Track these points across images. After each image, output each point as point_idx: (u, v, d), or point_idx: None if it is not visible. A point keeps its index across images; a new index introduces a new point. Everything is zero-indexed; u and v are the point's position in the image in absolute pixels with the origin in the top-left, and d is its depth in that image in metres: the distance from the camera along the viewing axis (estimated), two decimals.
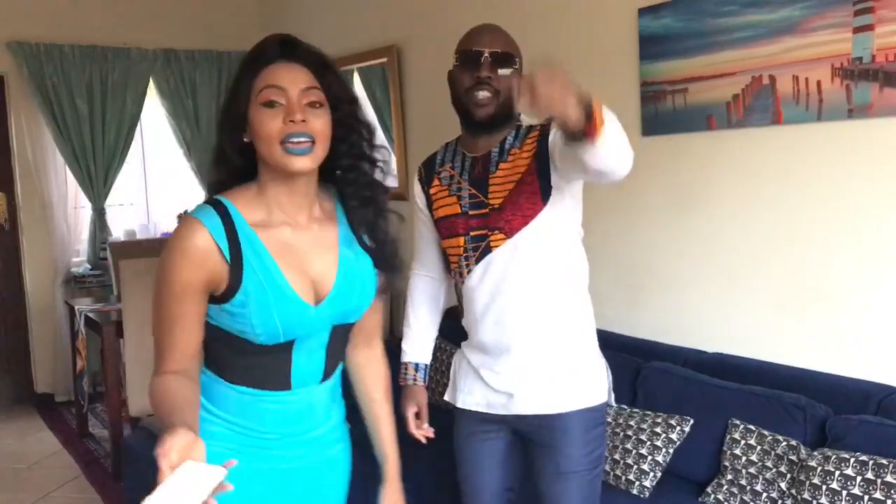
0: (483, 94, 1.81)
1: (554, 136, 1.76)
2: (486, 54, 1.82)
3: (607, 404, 1.97)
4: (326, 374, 1.50)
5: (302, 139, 1.35)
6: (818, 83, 2.49)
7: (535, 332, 1.87)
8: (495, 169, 1.86)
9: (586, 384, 1.91)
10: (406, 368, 2.06)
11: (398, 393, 1.89)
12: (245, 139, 1.41)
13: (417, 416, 2.02)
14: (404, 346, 2.07)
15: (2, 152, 4.99)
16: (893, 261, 2.40)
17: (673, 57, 2.90)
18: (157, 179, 5.72)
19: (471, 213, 1.88)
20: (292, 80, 1.38)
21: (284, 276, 1.39)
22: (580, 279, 1.94)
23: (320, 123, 1.38)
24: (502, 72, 1.83)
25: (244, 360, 1.42)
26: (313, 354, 1.47)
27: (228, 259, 1.36)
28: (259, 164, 1.42)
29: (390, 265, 1.53)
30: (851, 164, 2.47)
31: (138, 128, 5.36)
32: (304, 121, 1.35)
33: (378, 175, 1.50)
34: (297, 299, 1.39)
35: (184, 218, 1.40)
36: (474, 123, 1.86)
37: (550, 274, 1.87)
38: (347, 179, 1.47)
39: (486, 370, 1.93)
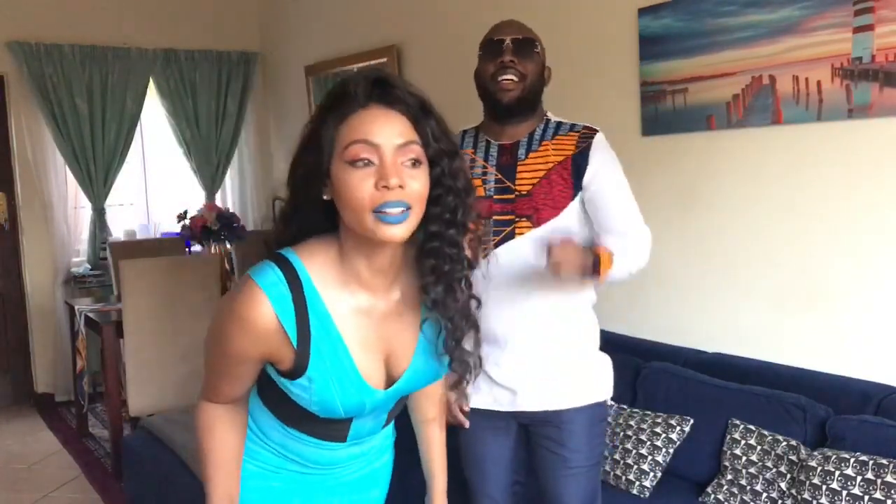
0: (508, 77, 1.82)
1: (594, 192, 1.87)
2: (508, 41, 1.84)
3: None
4: (385, 425, 1.44)
5: (397, 208, 1.14)
6: (818, 83, 2.49)
7: (545, 325, 1.89)
8: (525, 157, 1.88)
9: (591, 380, 1.93)
10: None
11: None
12: (325, 197, 1.20)
13: None
14: None
15: (2, 152, 4.99)
16: (893, 261, 2.40)
17: (673, 57, 2.90)
18: (157, 179, 5.72)
19: (495, 197, 1.88)
20: (387, 134, 1.15)
21: (355, 362, 1.25)
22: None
23: (418, 186, 1.16)
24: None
25: (302, 416, 1.31)
26: (375, 419, 1.38)
27: (295, 344, 1.20)
28: (342, 225, 1.21)
29: (452, 357, 1.31)
30: (851, 164, 2.47)
31: (138, 128, 5.36)
32: (401, 186, 1.13)
33: (464, 243, 1.27)
34: (364, 386, 1.27)
35: (247, 283, 1.19)
36: (502, 108, 1.85)
37: None
38: (430, 249, 1.24)
39: (490, 364, 1.92)
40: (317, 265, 1.22)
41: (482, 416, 1.98)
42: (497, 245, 1.86)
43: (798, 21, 2.53)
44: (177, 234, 4.91)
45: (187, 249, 4.92)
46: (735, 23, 2.70)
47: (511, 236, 1.86)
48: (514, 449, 2.02)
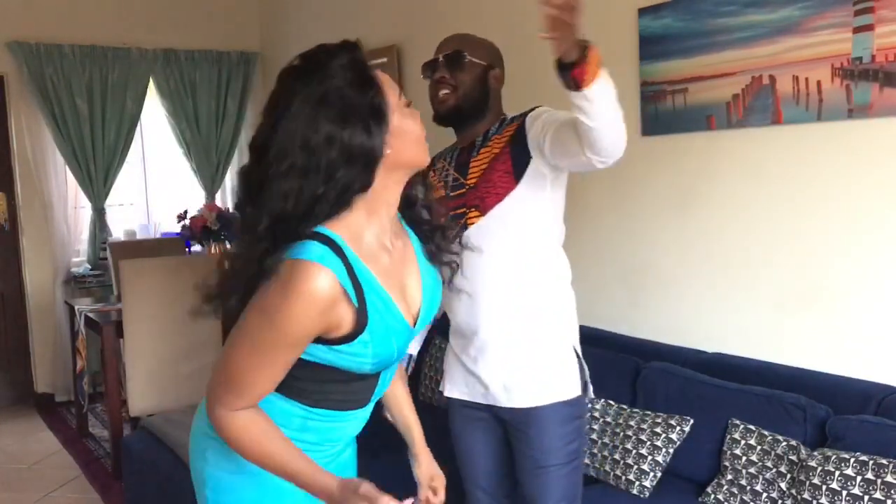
0: (441, 93, 1.97)
1: (544, 122, 1.84)
2: (440, 58, 1.98)
3: (585, 398, 2.00)
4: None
5: None
6: (818, 83, 2.49)
7: (501, 315, 1.92)
8: (477, 154, 1.98)
9: (559, 378, 1.94)
10: None
11: None
12: (388, 151, 1.30)
13: None
14: None
15: (2, 152, 5.00)
16: (893, 261, 2.40)
17: (673, 57, 2.90)
18: (157, 179, 5.72)
19: (451, 194, 1.99)
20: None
21: (397, 307, 1.36)
22: (556, 272, 1.98)
23: None
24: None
25: (334, 388, 1.38)
26: (393, 370, 1.50)
27: (356, 303, 1.28)
28: (378, 184, 1.32)
29: (442, 253, 1.53)
30: (851, 164, 2.47)
31: (138, 128, 5.36)
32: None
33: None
34: (407, 326, 1.39)
35: (298, 264, 1.23)
36: (441, 118, 2.00)
37: (522, 257, 1.92)
38: (421, 179, 1.49)
39: (464, 355, 2.00)
40: (349, 232, 1.30)
41: (464, 407, 2.05)
42: (454, 238, 1.93)
43: (798, 21, 2.53)
44: (177, 234, 4.91)
45: (187, 249, 4.92)
46: (735, 23, 2.70)
47: (465, 228, 1.94)
48: (501, 439, 2.05)
